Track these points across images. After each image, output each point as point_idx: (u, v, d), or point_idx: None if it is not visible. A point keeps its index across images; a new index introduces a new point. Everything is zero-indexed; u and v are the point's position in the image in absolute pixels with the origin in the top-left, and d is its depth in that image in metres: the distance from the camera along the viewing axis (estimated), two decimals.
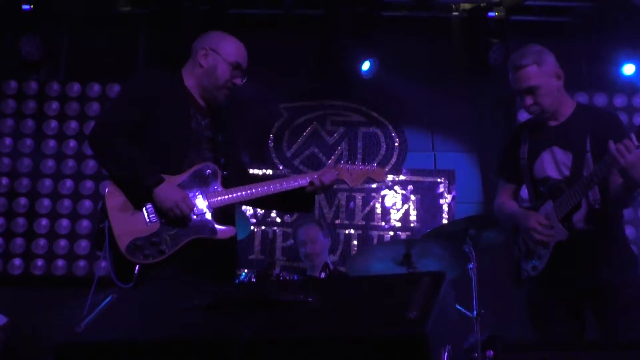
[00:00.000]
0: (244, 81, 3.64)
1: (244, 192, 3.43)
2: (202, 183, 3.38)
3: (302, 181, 3.53)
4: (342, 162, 3.74)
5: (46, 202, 6.39)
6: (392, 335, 1.91)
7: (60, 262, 6.32)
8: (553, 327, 3.80)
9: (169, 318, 2.15)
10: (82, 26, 6.66)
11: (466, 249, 5.07)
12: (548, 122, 3.75)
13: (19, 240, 6.32)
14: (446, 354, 2.18)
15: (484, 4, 6.68)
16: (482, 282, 5.08)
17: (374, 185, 6.68)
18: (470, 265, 5.03)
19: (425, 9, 6.80)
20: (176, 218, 3.23)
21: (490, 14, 6.67)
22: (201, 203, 3.33)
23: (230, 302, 2.14)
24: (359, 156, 6.76)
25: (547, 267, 3.70)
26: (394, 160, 6.77)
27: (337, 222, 6.61)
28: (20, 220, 6.35)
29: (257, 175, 3.71)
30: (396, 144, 6.81)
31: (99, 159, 3.53)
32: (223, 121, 3.66)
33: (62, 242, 6.34)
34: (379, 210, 6.68)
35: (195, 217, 3.30)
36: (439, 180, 6.74)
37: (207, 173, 3.40)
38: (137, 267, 3.15)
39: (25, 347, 5.72)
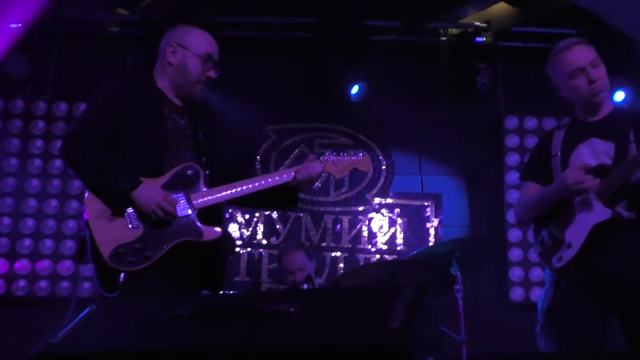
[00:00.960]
0: (217, 73, 3.53)
1: (229, 191, 3.35)
2: (184, 184, 3.29)
3: (286, 176, 3.44)
4: (327, 153, 3.66)
5: (30, 222, 6.35)
6: (374, 345, 1.91)
7: (43, 283, 6.26)
8: (571, 330, 3.41)
9: (149, 328, 2.13)
10: (70, 46, 6.67)
11: (452, 271, 5.08)
12: (586, 118, 3.58)
13: (1, 261, 6.25)
14: None
15: (472, 29, 6.72)
16: (468, 304, 5.11)
17: (360, 208, 6.71)
18: (457, 287, 5.04)
19: (413, 34, 6.82)
20: (159, 220, 3.14)
21: (478, 39, 6.70)
22: (185, 204, 3.23)
23: (212, 311, 2.12)
24: (346, 180, 6.77)
25: (578, 255, 3.35)
26: (380, 183, 6.77)
27: (323, 244, 6.59)
28: (3, 241, 6.29)
29: (243, 173, 3.58)
30: (383, 167, 6.82)
31: (72, 169, 3.40)
32: (204, 119, 3.59)
33: (46, 263, 6.29)
34: (365, 234, 6.67)
35: (179, 219, 3.20)
36: (425, 203, 6.74)
37: (188, 174, 3.31)
38: (122, 275, 3.06)
39: None
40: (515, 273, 6.47)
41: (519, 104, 6.86)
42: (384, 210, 6.72)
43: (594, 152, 3.46)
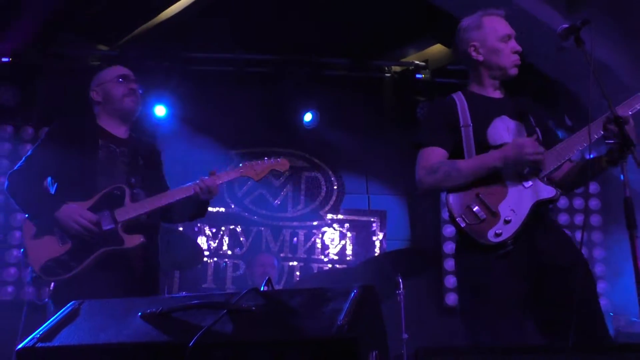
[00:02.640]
0: (138, 87, 3.67)
1: (146, 204, 3.43)
2: (112, 203, 3.38)
3: (187, 192, 3.47)
4: (247, 161, 3.75)
5: (18, 233, 6.20)
6: (325, 338, 1.91)
7: None
8: (501, 310, 2.92)
9: (124, 324, 2.11)
10: (55, 77, 6.58)
11: (396, 278, 5.11)
12: (490, 94, 3.21)
13: None
14: (373, 358, 2.19)
15: (412, 67, 6.78)
16: (409, 307, 5.12)
17: (315, 223, 6.71)
18: (399, 292, 5.06)
19: (361, 70, 6.86)
20: (80, 233, 3.27)
21: (418, 75, 6.77)
22: (109, 219, 3.33)
23: (181, 309, 2.11)
24: (302, 198, 6.77)
25: (517, 232, 2.93)
26: (332, 201, 6.79)
27: (281, 255, 6.56)
28: None
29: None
30: (335, 187, 6.84)
31: (13, 199, 3.57)
32: (145, 149, 3.71)
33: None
34: (319, 245, 6.67)
35: (104, 231, 3.31)
36: (372, 219, 6.77)
37: (116, 193, 3.41)
38: (52, 284, 3.26)
39: None
40: (450, 280, 6.50)
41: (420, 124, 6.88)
42: (335, 225, 6.74)
43: (508, 129, 3.12)
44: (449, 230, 6.65)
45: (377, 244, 6.72)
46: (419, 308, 5.69)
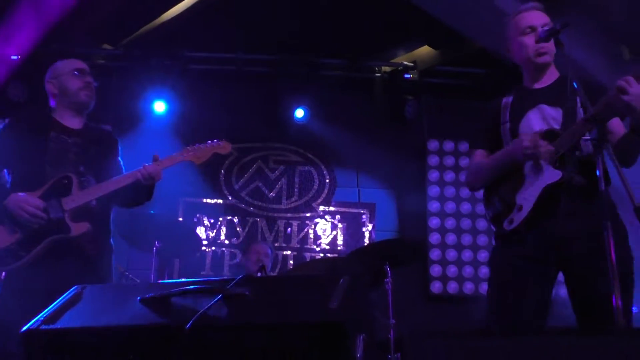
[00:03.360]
0: (93, 79, 3.58)
1: (92, 191, 3.36)
2: (60, 192, 3.29)
3: (130, 178, 3.39)
4: (190, 145, 3.67)
5: None
6: (316, 321, 1.91)
7: None
8: (516, 293, 2.92)
9: (124, 308, 2.09)
10: None
11: (384, 268, 5.09)
12: (532, 85, 3.15)
13: None
14: (361, 340, 2.19)
15: (401, 67, 6.78)
16: (395, 294, 5.12)
17: (307, 215, 6.69)
18: (387, 280, 5.05)
19: (353, 70, 6.86)
20: (28, 220, 3.18)
21: (406, 75, 6.77)
22: (57, 207, 3.25)
23: (178, 294, 2.09)
24: (296, 190, 6.75)
25: (528, 217, 2.90)
26: (325, 194, 6.78)
27: (276, 244, 6.53)
28: None
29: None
30: (327, 181, 6.82)
31: None
32: (97, 137, 3.61)
33: None
34: (311, 235, 6.66)
35: (51, 220, 3.22)
36: (362, 211, 6.76)
37: (64, 182, 3.32)
38: (3, 273, 3.18)
39: None
40: (435, 269, 6.53)
41: (439, 130, 6.90)
42: (327, 217, 6.73)
43: (543, 118, 3.03)
44: (434, 222, 6.66)
45: (367, 234, 6.71)
46: (406, 296, 5.67)
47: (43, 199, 3.25)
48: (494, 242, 3.21)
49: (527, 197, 2.94)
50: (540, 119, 3.04)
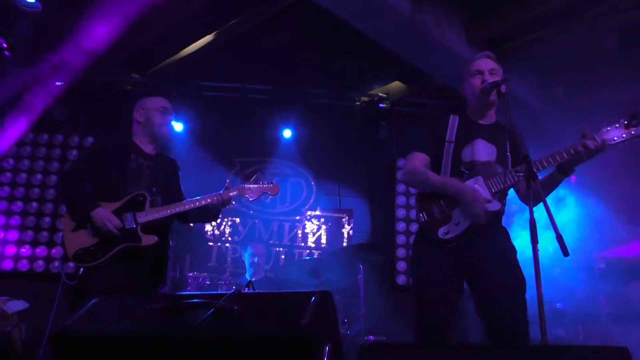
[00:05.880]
0: (172, 117, 3.59)
1: (164, 211, 3.35)
2: (135, 206, 3.31)
3: (204, 202, 3.41)
4: (240, 182, 3.66)
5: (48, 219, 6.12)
6: (289, 335, 1.88)
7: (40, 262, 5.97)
8: (439, 293, 2.88)
9: (136, 317, 2.06)
10: (97, 98, 6.50)
11: (357, 265, 5.09)
12: (477, 119, 3.10)
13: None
14: (327, 349, 2.16)
15: (377, 98, 6.74)
16: (367, 284, 5.11)
17: (297, 217, 6.65)
18: (359, 276, 5.04)
19: (337, 99, 6.82)
20: (107, 232, 3.19)
21: (381, 105, 6.73)
22: (131, 220, 3.27)
23: (177, 307, 2.06)
24: (288, 197, 6.72)
25: (462, 233, 2.89)
26: (311, 200, 6.74)
27: (270, 242, 6.50)
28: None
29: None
30: (313, 190, 6.79)
31: (59, 197, 3.52)
32: (167, 165, 3.60)
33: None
34: (300, 235, 6.62)
35: (126, 230, 3.24)
36: (342, 216, 6.73)
37: (139, 199, 3.33)
38: (81, 269, 3.20)
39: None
40: (401, 265, 6.50)
41: (407, 150, 6.81)
42: (313, 220, 6.69)
43: (483, 151, 3.01)
44: (401, 226, 6.63)
45: (346, 235, 6.67)
46: (376, 286, 5.66)
47: (121, 210, 3.27)
48: (417, 249, 3.05)
49: (464, 216, 2.89)
50: (480, 151, 3.01)
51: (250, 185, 3.58)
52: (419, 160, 3.07)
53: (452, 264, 2.89)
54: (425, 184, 3.02)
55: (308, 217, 6.70)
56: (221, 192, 3.44)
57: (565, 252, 2.35)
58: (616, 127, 2.82)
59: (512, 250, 2.97)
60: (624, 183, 5.63)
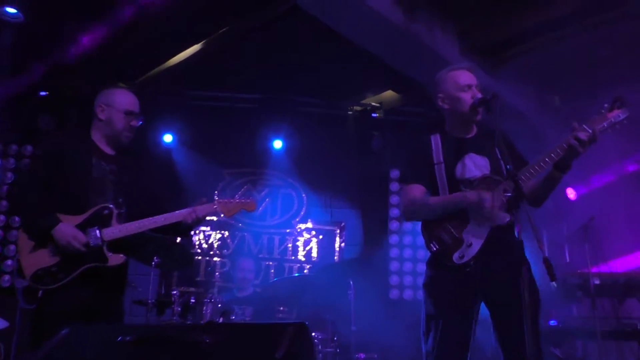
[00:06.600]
0: (139, 123, 3.22)
1: (133, 226, 3.06)
2: (100, 221, 3.02)
3: (178, 217, 3.11)
4: (219, 196, 3.42)
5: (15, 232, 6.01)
6: None
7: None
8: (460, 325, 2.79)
9: (105, 350, 2.05)
10: (84, 108, 6.47)
11: (348, 280, 5.08)
12: (460, 134, 3.02)
13: None
14: None
15: (369, 107, 6.77)
16: (360, 299, 5.08)
17: (288, 230, 6.65)
18: (350, 292, 5.04)
19: (331, 108, 6.84)
20: (71, 251, 2.92)
21: (374, 114, 6.78)
22: (97, 237, 2.98)
23: (150, 339, 2.05)
24: (278, 209, 6.71)
25: (478, 253, 2.80)
26: (302, 212, 6.73)
27: (260, 255, 6.49)
28: None
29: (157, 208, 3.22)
30: (304, 202, 6.77)
31: (13, 210, 3.18)
32: (131, 166, 3.26)
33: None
34: (290, 248, 6.60)
35: (91, 248, 2.96)
36: (333, 228, 6.71)
37: (105, 212, 3.04)
38: (40, 292, 2.89)
39: None
40: (394, 279, 6.49)
41: (398, 164, 6.81)
42: (304, 232, 6.67)
43: (476, 165, 2.93)
44: (394, 238, 6.62)
45: (337, 248, 6.66)
46: (368, 301, 5.66)
47: (84, 226, 2.98)
48: (431, 272, 2.97)
49: (476, 235, 2.82)
50: (473, 166, 2.94)
51: (225, 201, 3.33)
52: (415, 191, 2.98)
53: (467, 286, 2.81)
54: (428, 211, 2.94)
55: (299, 230, 6.68)
56: (195, 207, 3.17)
57: (552, 277, 2.30)
58: (602, 113, 2.82)
59: (526, 265, 2.76)
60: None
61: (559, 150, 2.76)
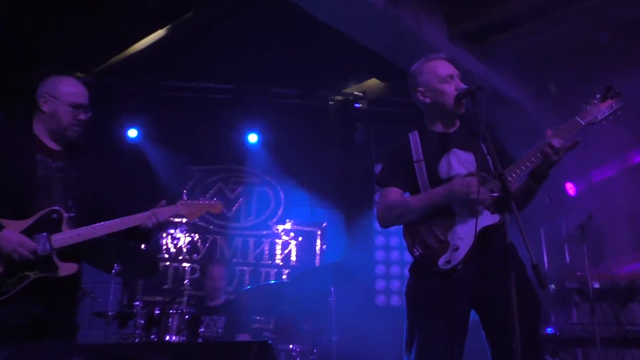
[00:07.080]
0: (88, 115, 2.97)
1: (86, 232, 2.85)
2: (48, 226, 2.79)
3: (136, 221, 2.92)
4: (185, 196, 3.23)
5: None
6: None
7: None
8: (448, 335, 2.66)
9: None
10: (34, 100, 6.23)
11: (328, 287, 4.92)
12: (442, 129, 2.88)
13: None
14: None
15: (352, 97, 6.66)
16: (344, 307, 4.92)
17: (264, 232, 6.43)
18: (330, 299, 4.88)
19: (310, 99, 6.67)
20: (17, 260, 2.69)
21: (357, 105, 6.65)
22: (45, 244, 2.75)
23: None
24: (253, 209, 6.49)
25: (465, 257, 2.68)
26: (280, 212, 6.53)
27: (234, 260, 6.25)
28: None
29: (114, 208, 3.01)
30: (282, 201, 6.57)
31: None
32: (81, 162, 3.03)
33: None
34: (267, 252, 6.38)
35: (39, 256, 2.74)
36: (314, 229, 6.52)
37: (53, 217, 2.81)
38: None
39: None
40: (380, 284, 6.34)
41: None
42: (282, 234, 6.47)
43: (460, 161, 2.80)
44: (380, 239, 6.47)
45: (318, 251, 6.47)
46: (352, 308, 5.47)
47: (31, 231, 2.76)
48: (414, 278, 2.79)
49: (463, 237, 2.69)
50: (457, 162, 2.80)
51: (189, 202, 3.13)
52: (391, 195, 2.83)
53: (459, 292, 2.66)
54: (408, 213, 2.78)
55: (276, 232, 6.45)
56: (155, 209, 2.96)
57: (542, 283, 2.21)
58: (594, 104, 2.76)
59: (521, 267, 2.72)
60: None
61: (533, 159, 2.68)
